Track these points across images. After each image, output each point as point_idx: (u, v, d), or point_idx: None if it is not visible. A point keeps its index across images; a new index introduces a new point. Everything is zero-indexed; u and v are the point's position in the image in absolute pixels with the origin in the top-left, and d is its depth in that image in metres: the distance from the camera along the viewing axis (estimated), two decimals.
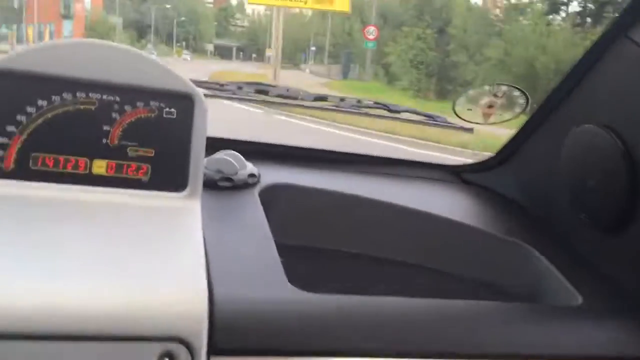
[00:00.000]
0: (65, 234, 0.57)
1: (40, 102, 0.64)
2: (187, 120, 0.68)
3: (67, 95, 0.65)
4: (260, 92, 1.11)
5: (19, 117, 0.63)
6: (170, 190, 0.67)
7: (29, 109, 0.64)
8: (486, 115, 1.02)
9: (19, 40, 59.01)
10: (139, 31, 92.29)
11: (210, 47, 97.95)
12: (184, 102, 0.68)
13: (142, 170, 0.67)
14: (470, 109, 1.02)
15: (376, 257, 0.94)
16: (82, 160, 0.65)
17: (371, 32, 25.44)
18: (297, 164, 1.05)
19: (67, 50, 0.65)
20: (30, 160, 0.64)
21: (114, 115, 0.66)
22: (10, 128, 0.63)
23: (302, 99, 1.12)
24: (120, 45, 0.67)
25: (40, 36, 68.41)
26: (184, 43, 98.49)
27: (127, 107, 0.66)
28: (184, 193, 0.67)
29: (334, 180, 1.00)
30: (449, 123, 1.10)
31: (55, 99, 0.64)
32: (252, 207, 0.80)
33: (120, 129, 0.66)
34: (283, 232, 0.79)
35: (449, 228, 0.90)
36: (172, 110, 0.67)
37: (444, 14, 31.01)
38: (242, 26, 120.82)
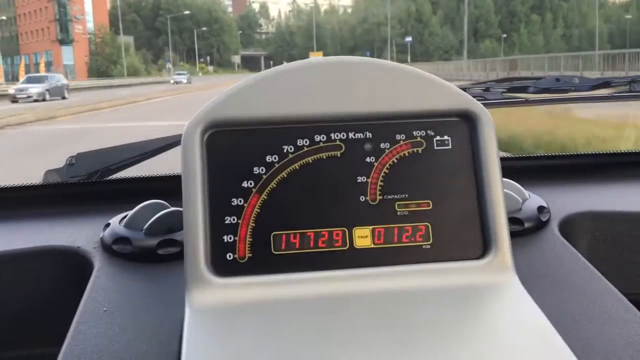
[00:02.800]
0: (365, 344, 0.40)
1: (269, 158, 0.48)
2: (470, 149, 0.50)
3: (303, 142, 0.48)
4: (515, 90, 0.92)
5: (245, 184, 0.47)
6: (464, 258, 0.48)
7: (257, 170, 0.48)
8: None
9: (8, 77, 48.63)
10: (155, 50, 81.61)
11: (237, 59, 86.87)
12: (460, 125, 0.50)
13: (419, 233, 0.48)
14: None
15: None
16: (338, 232, 0.48)
17: None
18: (560, 178, 0.84)
19: (283, 80, 0.48)
20: (272, 243, 0.47)
21: (368, 159, 0.49)
22: (237, 201, 0.47)
23: (575, 90, 0.92)
24: (355, 58, 0.49)
25: (36, 68, 58.15)
26: (208, 58, 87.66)
27: (384, 145, 0.49)
28: (486, 260, 0.48)
29: (632, 197, 0.79)
30: None
31: (288, 149, 0.48)
32: (570, 258, 0.58)
33: (380, 178, 0.49)
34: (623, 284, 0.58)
35: None
36: (446, 138, 0.50)
37: None
38: (267, 32, 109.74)
